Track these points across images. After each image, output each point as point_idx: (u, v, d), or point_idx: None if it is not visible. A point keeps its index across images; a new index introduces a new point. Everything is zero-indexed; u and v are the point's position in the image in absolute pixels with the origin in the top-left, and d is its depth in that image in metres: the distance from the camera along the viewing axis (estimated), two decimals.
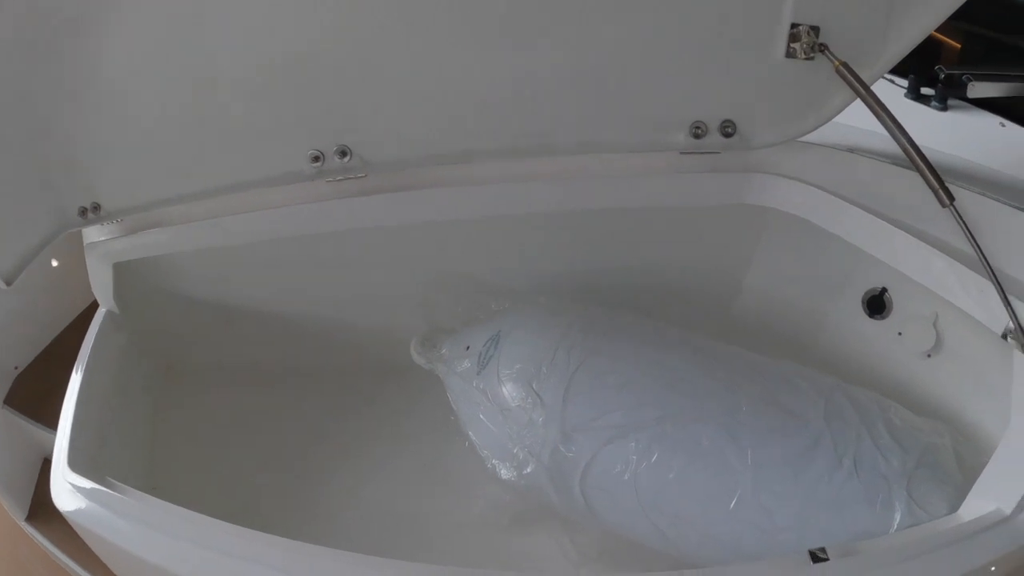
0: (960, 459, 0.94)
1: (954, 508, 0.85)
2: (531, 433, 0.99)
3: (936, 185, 0.81)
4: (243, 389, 1.32)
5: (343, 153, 1.01)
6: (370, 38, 0.93)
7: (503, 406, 1.04)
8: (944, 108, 1.38)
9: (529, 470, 0.99)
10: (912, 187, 0.91)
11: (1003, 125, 1.34)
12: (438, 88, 0.98)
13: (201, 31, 0.90)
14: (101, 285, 1.13)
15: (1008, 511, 0.78)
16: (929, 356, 1.18)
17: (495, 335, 1.12)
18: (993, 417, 1.02)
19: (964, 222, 0.81)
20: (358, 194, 1.10)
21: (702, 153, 1.07)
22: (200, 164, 1.02)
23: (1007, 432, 0.83)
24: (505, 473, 1.02)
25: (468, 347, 1.15)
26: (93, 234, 1.13)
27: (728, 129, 1.03)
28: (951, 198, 0.81)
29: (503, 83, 0.99)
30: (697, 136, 1.03)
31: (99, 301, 1.15)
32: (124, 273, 1.13)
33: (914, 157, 0.82)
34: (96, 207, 1.00)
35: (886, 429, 0.96)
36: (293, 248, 1.15)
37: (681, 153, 1.07)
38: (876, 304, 1.26)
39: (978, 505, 0.82)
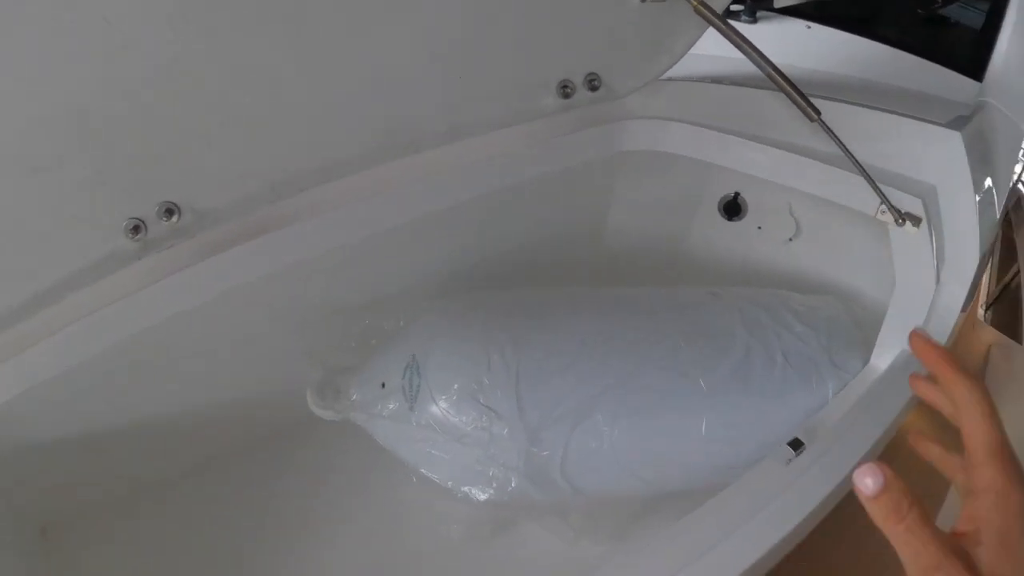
0: (857, 323, 1.10)
1: (867, 362, 1.02)
2: (500, 449, 0.94)
3: (803, 104, 0.89)
4: (142, 515, 1.07)
5: (169, 212, 0.81)
6: (172, 58, 0.71)
7: (457, 434, 0.96)
8: (754, 21, 1.53)
9: (513, 485, 0.95)
10: (773, 105, 1.01)
11: (809, 27, 1.52)
12: (274, 101, 0.82)
13: None
14: None
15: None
16: (791, 240, 1.36)
17: (410, 361, 1.01)
18: (863, 280, 1.24)
19: (832, 131, 0.90)
20: (194, 259, 0.89)
21: (572, 110, 1.05)
22: None
23: (895, 293, 0.99)
24: (483, 496, 0.97)
25: (383, 384, 1.02)
26: None
27: (594, 82, 1.01)
28: (818, 112, 0.89)
29: (349, 80, 0.85)
30: (566, 95, 1.00)
31: None
32: None
33: (779, 81, 0.89)
34: None
35: (794, 318, 1.09)
36: (145, 342, 0.90)
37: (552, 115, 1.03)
38: (732, 208, 1.40)
39: (886, 353, 1.00)
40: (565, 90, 1.00)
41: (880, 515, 0.29)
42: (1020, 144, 1.50)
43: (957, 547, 0.29)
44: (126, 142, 0.75)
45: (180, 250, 0.86)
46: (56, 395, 0.89)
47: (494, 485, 0.96)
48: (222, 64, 0.75)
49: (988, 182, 1.10)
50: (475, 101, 0.97)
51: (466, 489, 0.99)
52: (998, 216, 1.17)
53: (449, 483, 1.00)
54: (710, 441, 0.99)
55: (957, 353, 1.38)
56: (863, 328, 1.09)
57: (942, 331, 1.01)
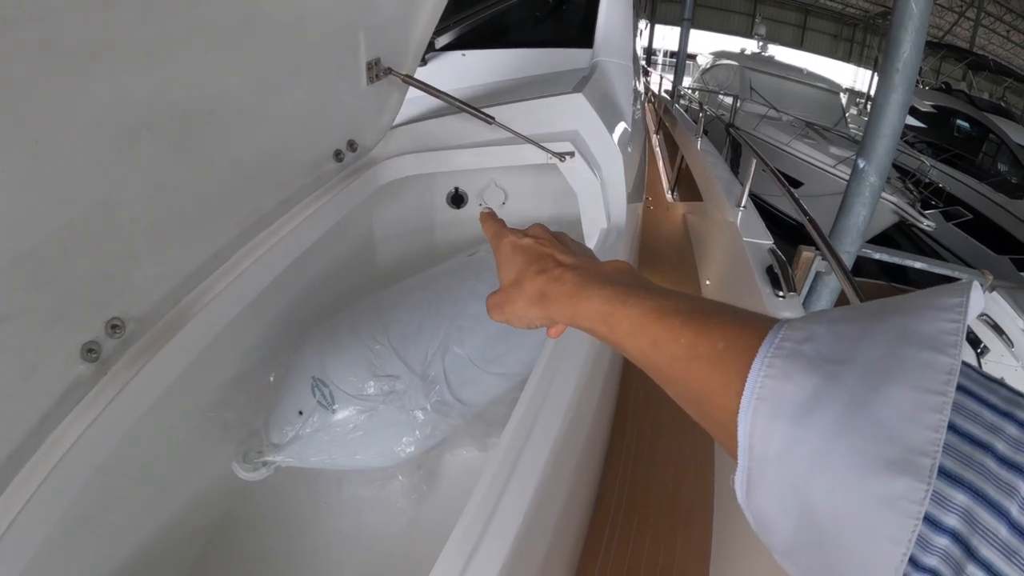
0: (566, 230, 1.72)
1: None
2: (408, 397, 1.32)
3: (481, 115, 1.43)
4: None
5: (115, 327, 0.92)
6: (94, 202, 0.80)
7: (375, 403, 1.29)
8: (424, 63, 2.05)
9: (425, 419, 1.33)
10: (463, 122, 1.54)
11: (464, 55, 2.09)
12: (173, 214, 0.97)
13: None
14: None
15: (606, 224, 1.57)
16: (504, 204, 1.95)
17: (313, 381, 1.29)
18: (559, 206, 1.87)
19: (507, 127, 1.46)
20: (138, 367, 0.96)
21: (345, 168, 1.48)
22: None
23: (580, 202, 1.59)
24: (411, 447, 1.32)
25: (300, 412, 1.28)
26: None
27: (354, 144, 1.44)
28: (492, 119, 1.44)
29: (212, 191, 1.05)
30: (340, 159, 1.41)
31: None
32: None
33: (464, 108, 1.42)
34: None
35: None
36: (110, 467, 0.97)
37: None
38: (457, 199, 1.96)
39: (591, 240, 1.58)
40: (338, 156, 1.40)
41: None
42: (631, 76, 2.27)
43: None
44: (70, 273, 0.80)
45: (128, 361, 0.95)
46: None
47: (416, 429, 1.32)
48: (135, 195, 0.87)
49: (617, 111, 1.76)
50: (292, 179, 1.28)
51: (398, 449, 1.31)
52: (628, 127, 1.86)
53: (384, 451, 1.31)
54: (520, 332, 1.51)
55: (659, 229, 2.10)
56: (574, 230, 1.70)
57: (618, 212, 1.65)
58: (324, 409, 1.29)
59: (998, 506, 0.21)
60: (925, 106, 10.22)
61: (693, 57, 12.27)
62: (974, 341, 4.03)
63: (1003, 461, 0.22)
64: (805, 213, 2.37)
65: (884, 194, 6.53)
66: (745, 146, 3.71)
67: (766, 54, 10.60)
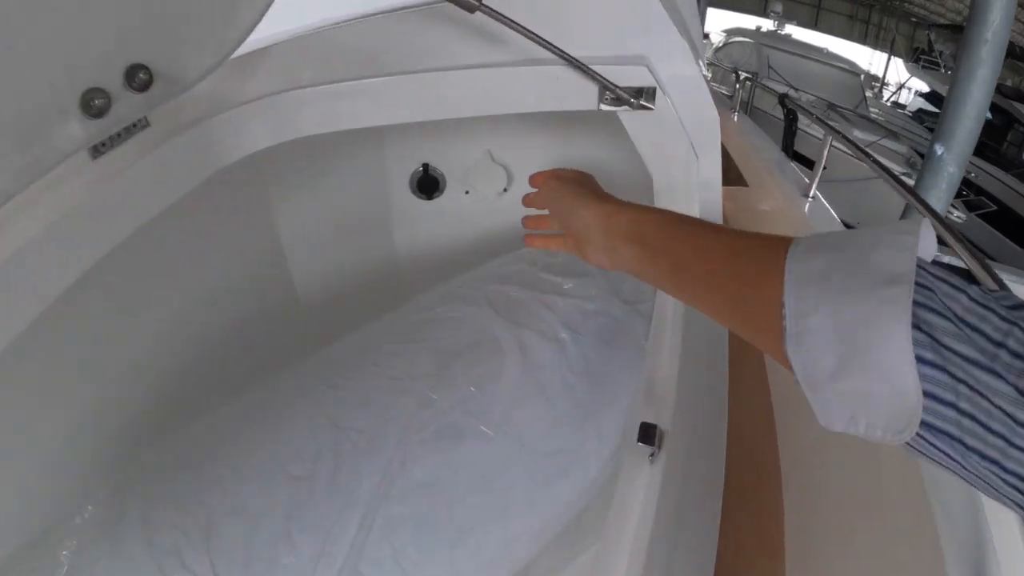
0: None
1: None
2: None
3: None
4: None
5: None
6: None
7: None
8: None
9: None
10: (412, 27, 0.72)
11: None
12: None
13: None
14: None
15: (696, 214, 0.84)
16: (506, 191, 1.13)
17: None
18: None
19: (523, 27, 0.65)
20: None
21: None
22: None
23: (655, 183, 0.80)
24: None
25: None
26: None
27: (142, 77, 0.58)
28: (478, 3, 0.62)
29: None
30: (100, 114, 0.56)
31: None
32: None
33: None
34: None
35: (554, 274, 0.86)
36: None
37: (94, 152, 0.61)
38: (427, 183, 1.13)
39: None
40: (93, 104, 0.54)
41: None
42: None
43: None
44: None
45: None
46: None
47: None
48: None
49: (692, 40, 0.95)
50: None
51: None
52: (706, 73, 1.06)
53: None
54: (537, 488, 0.71)
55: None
56: None
57: (712, 195, 0.85)
58: None
59: (952, 295, 0.31)
60: (947, 92, 9.58)
61: (707, 36, 11.50)
62: None
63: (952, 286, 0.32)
64: (921, 200, 1.82)
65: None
66: (812, 119, 3.08)
67: (782, 32, 9.85)
